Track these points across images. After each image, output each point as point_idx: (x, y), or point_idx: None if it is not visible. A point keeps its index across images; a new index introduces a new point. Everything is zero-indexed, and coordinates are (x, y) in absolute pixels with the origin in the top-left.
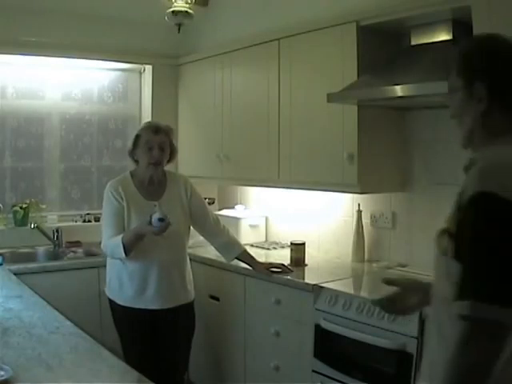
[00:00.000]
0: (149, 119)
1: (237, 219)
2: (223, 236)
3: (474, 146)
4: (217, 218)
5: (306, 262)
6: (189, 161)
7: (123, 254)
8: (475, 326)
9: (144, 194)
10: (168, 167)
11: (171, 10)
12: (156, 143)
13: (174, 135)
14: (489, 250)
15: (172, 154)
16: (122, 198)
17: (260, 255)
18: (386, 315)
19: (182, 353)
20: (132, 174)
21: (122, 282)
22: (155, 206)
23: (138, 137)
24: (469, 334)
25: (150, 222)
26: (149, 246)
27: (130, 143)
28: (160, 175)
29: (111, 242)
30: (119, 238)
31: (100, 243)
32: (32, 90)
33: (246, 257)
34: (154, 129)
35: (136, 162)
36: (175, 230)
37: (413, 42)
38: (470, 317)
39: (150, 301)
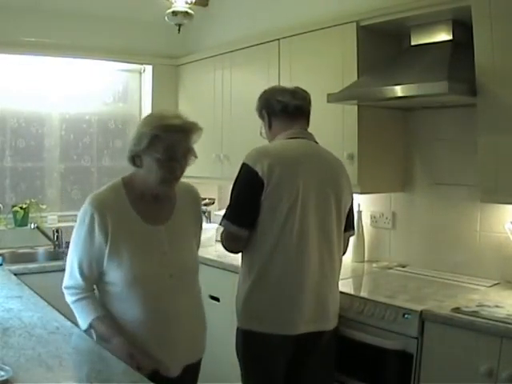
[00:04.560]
0: None
1: None
2: None
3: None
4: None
5: None
6: None
7: (82, 327)
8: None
9: (144, 216)
10: None
11: (171, 10)
12: (181, 152)
13: None
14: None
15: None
16: (105, 228)
17: None
18: (386, 315)
19: None
20: (126, 184)
21: None
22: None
23: (155, 138)
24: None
25: None
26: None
27: (135, 142)
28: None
29: (79, 304)
30: (91, 313)
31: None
32: (32, 90)
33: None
34: (181, 130)
35: (137, 166)
36: (188, 267)
37: (413, 42)
38: (225, 229)
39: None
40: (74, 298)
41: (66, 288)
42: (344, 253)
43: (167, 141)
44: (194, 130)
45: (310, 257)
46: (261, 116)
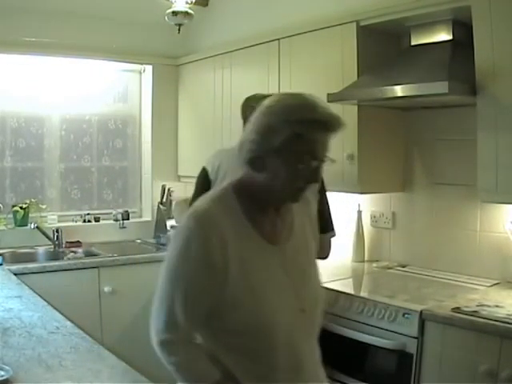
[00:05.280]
0: (149, 119)
1: None
2: None
3: None
4: None
5: None
6: (189, 161)
7: None
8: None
9: (264, 235)
10: (168, 168)
11: (171, 10)
12: (322, 155)
13: None
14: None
15: None
16: (220, 253)
17: None
18: (386, 315)
19: None
20: (238, 193)
21: None
22: None
23: (293, 137)
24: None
25: None
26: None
27: (260, 138)
28: None
29: (187, 365)
30: (208, 376)
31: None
32: (32, 89)
33: None
34: (327, 127)
35: (257, 170)
36: (319, 297)
37: (413, 42)
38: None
39: None
40: (176, 358)
41: (163, 343)
42: (326, 256)
43: (310, 141)
44: (340, 127)
45: None
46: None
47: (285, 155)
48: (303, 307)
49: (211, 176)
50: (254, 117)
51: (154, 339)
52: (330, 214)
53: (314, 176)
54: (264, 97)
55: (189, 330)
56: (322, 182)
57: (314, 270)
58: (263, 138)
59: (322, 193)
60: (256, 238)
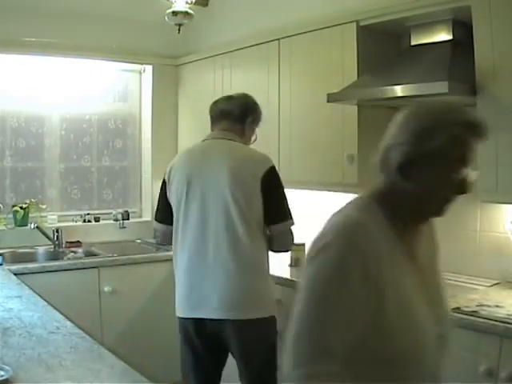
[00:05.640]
0: (149, 119)
1: None
2: None
3: None
4: None
5: None
6: None
7: None
8: None
9: (409, 252)
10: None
11: (171, 10)
12: (472, 162)
13: None
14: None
15: None
16: (380, 270)
17: None
18: None
19: None
20: (381, 204)
21: None
22: None
23: (455, 140)
24: None
25: None
26: None
27: (413, 140)
28: None
29: None
30: None
31: None
32: (32, 89)
33: None
34: (482, 129)
35: (405, 178)
36: (450, 319)
37: (413, 42)
38: None
39: None
40: None
41: (310, 377)
42: (288, 248)
43: (464, 145)
44: (487, 132)
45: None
46: None
47: (437, 161)
48: (442, 333)
49: (165, 177)
50: (399, 121)
51: (295, 373)
52: (278, 207)
53: (464, 186)
54: (229, 97)
55: (340, 365)
56: (275, 177)
57: (445, 293)
58: (417, 140)
59: (276, 186)
60: (402, 255)
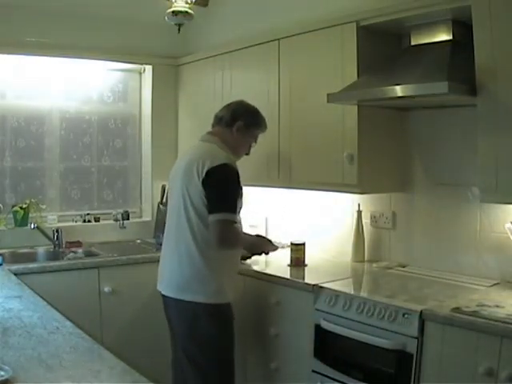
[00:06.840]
0: (149, 119)
1: None
2: None
3: None
4: None
5: (306, 262)
6: None
7: None
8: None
9: None
10: (168, 168)
11: (171, 10)
12: None
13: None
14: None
15: None
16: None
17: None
18: (386, 315)
19: None
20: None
21: None
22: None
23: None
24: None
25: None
26: None
27: None
28: None
29: None
30: None
31: None
32: (32, 89)
33: None
34: None
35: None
36: None
37: (413, 42)
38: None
39: None
40: None
41: None
42: (217, 241)
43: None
44: None
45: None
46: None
47: None
48: None
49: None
50: None
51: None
52: (211, 199)
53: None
54: (226, 105)
55: None
56: (218, 175)
57: None
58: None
59: (215, 182)
60: None
